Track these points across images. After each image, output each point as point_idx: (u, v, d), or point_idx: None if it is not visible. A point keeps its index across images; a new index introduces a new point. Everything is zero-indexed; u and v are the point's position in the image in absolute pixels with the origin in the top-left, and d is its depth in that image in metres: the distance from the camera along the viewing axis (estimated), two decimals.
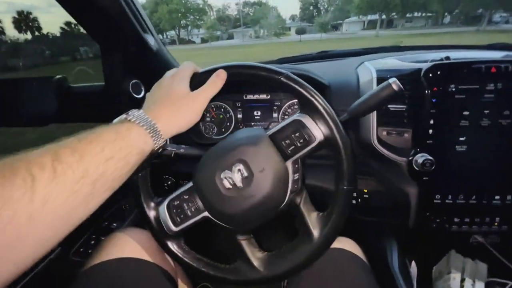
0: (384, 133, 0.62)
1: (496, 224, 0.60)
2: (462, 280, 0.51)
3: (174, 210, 0.45)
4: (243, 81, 0.45)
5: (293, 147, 0.42)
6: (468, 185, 0.58)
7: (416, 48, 0.87)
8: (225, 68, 0.44)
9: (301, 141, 0.41)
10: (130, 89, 0.69)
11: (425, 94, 0.55)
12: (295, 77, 0.41)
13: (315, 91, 0.41)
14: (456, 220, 0.61)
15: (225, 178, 0.42)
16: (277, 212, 0.44)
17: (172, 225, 0.45)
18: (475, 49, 0.82)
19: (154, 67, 0.71)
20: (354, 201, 0.67)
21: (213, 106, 0.78)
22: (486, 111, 0.54)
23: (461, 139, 0.56)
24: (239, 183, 0.41)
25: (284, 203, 0.43)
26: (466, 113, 0.55)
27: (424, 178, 0.59)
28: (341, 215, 0.41)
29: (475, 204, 0.59)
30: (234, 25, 54.51)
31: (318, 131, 0.41)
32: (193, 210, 0.44)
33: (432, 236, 0.63)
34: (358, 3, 29.43)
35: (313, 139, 0.41)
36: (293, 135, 0.42)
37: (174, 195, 0.46)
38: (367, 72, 0.63)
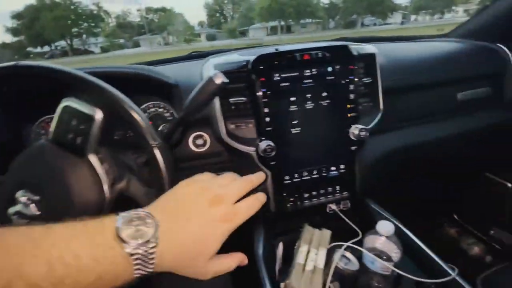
0: (233, 126, 0.63)
1: (338, 191, 0.69)
2: (309, 251, 0.55)
3: None
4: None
5: (80, 136, 0.37)
6: (308, 162, 0.65)
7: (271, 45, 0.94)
8: None
9: (82, 126, 0.37)
10: None
11: (255, 85, 0.58)
12: (32, 63, 0.36)
13: (62, 67, 0.37)
14: (306, 195, 0.67)
15: (15, 215, 0.33)
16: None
17: None
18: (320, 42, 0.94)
19: None
20: None
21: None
22: (308, 95, 0.61)
23: (294, 122, 0.62)
24: (35, 212, 0.33)
25: (108, 197, 0.38)
26: (292, 99, 0.60)
27: (272, 163, 0.62)
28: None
29: (318, 178, 0.66)
30: (139, 32, 50.73)
31: (89, 106, 0.37)
32: None
33: (293, 214, 0.68)
34: (259, 11, 31.74)
35: (92, 115, 0.37)
36: (72, 124, 0.37)
37: None
38: (208, 67, 0.63)
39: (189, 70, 0.75)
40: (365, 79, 0.66)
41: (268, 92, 0.59)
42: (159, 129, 0.71)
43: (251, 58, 0.58)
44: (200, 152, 0.69)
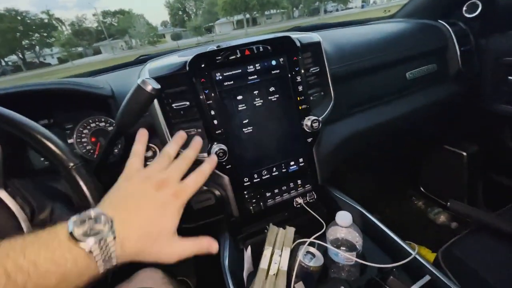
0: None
1: (300, 186, 0.68)
2: (273, 253, 0.54)
3: None
4: None
5: None
6: (266, 160, 0.63)
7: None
8: None
9: None
10: None
11: (197, 87, 0.55)
12: None
13: None
14: (268, 194, 0.65)
15: None
16: None
17: None
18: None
19: None
20: None
21: None
22: (255, 92, 0.59)
23: (245, 122, 0.59)
24: None
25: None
26: (239, 97, 0.58)
27: (228, 167, 0.60)
28: None
29: (278, 175, 0.64)
30: (98, 38, 47.99)
31: None
32: None
33: (259, 215, 0.66)
34: (222, 5, 31.20)
35: None
36: None
37: None
38: (144, 73, 0.58)
39: (129, 77, 0.70)
40: (312, 69, 0.65)
41: (212, 93, 0.55)
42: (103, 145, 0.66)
43: (189, 58, 0.55)
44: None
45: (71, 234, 0.27)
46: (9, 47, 34.04)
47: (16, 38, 34.24)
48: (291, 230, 0.60)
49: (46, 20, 38.15)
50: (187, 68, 0.54)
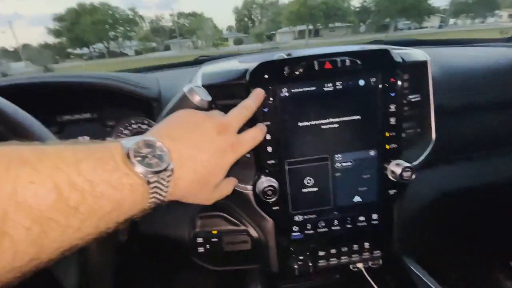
0: None
1: (366, 250, 0.50)
2: None
3: None
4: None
5: None
6: (327, 209, 0.47)
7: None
8: None
9: None
10: None
11: None
12: None
13: None
14: (321, 253, 0.49)
15: None
16: None
17: None
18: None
19: None
20: (201, 249, 0.51)
21: None
22: (329, 119, 0.44)
23: (307, 155, 0.45)
24: None
25: None
26: (306, 123, 0.43)
27: (275, 208, 0.46)
28: None
29: (340, 230, 0.48)
30: (170, 36, 52.82)
31: None
32: None
33: (298, 277, 0.50)
34: (287, 15, 31.59)
35: None
36: None
37: None
38: (197, 78, 0.48)
39: (183, 78, 0.61)
40: (411, 96, 0.48)
41: (272, 113, 0.42)
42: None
43: (252, 66, 0.43)
44: None
45: (127, 157, 0.24)
46: (98, 37, 39.40)
47: (105, 29, 39.47)
48: None
49: (131, 16, 43.35)
50: (247, 78, 0.42)
